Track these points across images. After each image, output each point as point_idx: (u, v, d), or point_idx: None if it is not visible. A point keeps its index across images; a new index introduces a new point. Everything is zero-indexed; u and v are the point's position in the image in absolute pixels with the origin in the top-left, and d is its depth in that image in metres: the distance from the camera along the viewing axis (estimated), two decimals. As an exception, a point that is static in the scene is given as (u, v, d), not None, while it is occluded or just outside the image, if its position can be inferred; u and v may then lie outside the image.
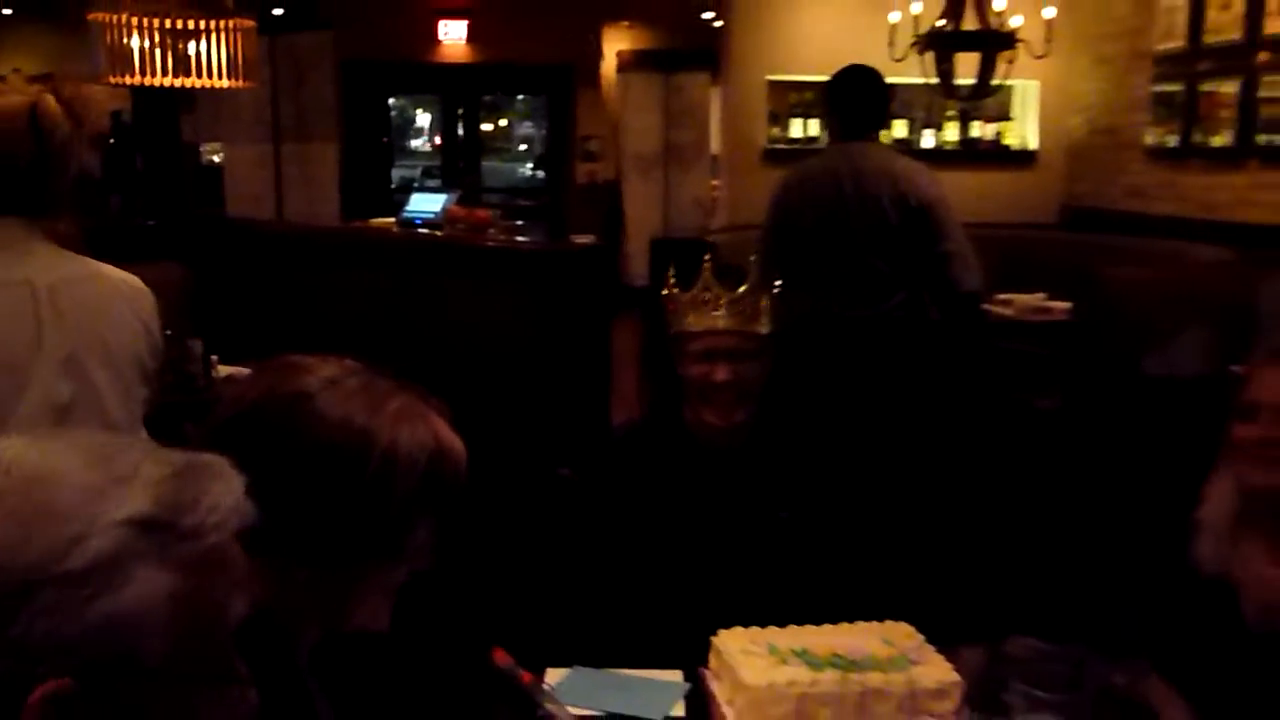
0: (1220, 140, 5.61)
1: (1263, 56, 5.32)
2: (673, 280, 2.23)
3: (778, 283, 2.25)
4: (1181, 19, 5.86)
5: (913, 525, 3.10)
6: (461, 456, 1.27)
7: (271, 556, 1.21)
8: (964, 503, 3.95)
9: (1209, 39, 5.68)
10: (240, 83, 4.34)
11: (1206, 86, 5.71)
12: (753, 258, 2.42)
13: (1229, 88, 5.53)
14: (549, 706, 1.73)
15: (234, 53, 4.16)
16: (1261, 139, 5.32)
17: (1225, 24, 5.57)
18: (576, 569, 2.21)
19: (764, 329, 2.21)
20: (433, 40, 11.22)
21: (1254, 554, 1.92)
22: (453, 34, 11.12)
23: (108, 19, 4.05)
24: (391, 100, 13.43)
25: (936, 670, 1.78)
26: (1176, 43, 5.91)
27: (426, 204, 7.87)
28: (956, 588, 2.72)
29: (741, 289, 2.19)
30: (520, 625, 2.18)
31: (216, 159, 8.17)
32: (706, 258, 2.21)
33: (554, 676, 1.92)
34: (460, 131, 12.73)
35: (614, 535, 2.20)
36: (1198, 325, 4.27)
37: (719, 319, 2.18)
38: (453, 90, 12.28)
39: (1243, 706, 1.84)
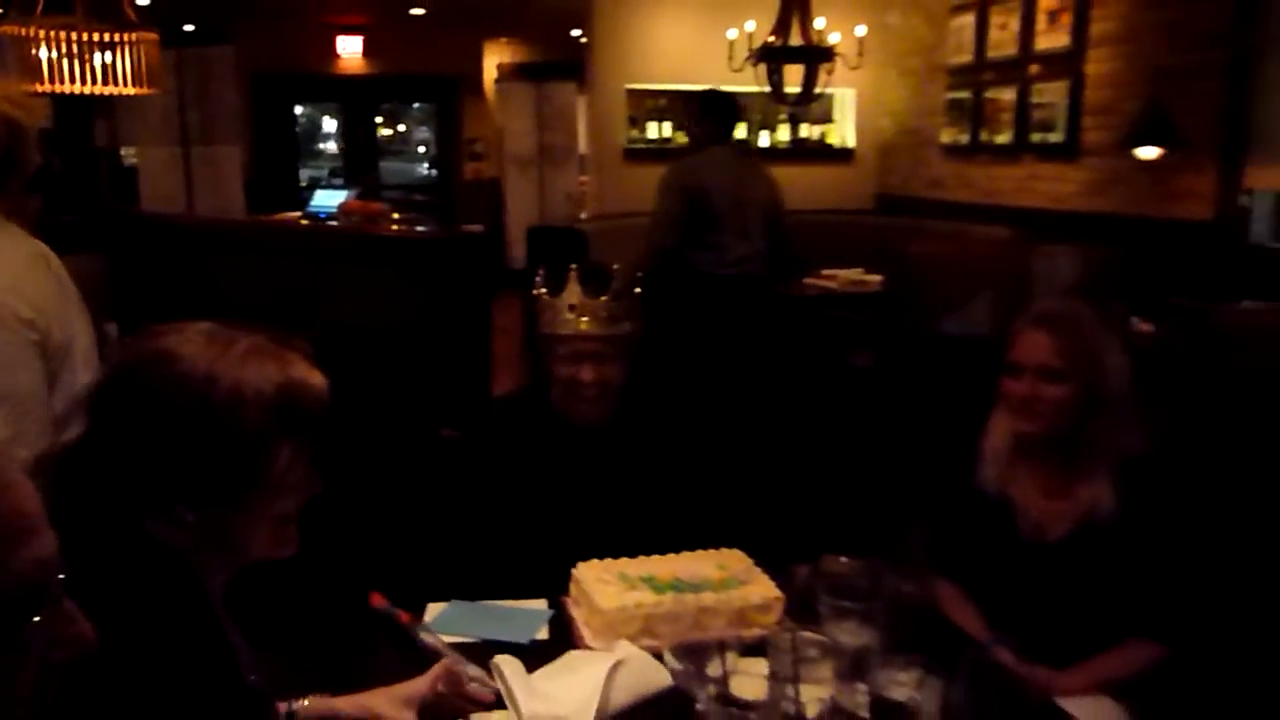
0: (1002, 139, 5.76)
1: (1034, 69, 5.48)
2: (540, 283, 2.14)
3: (637, 290, 2.17)
4: (969, 38, 6.00)
5: (749, 463, 3.12)
6: (317, 388, 1.22)
7: (160, 505, 1.16)
8: (793, 445, 4.00)
9: (991, 54, 5.82)
10: (145, 90, 4.12)
11: (990, 94, 5.86)
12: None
13: (1008, 95, 5.68)
14: (426, 638, 1.70)
15: (139, 63, 3.94)
16: (1034, 137, 5.48)
17: (1004, 42, 5.71)
18: (456, 517, 2.16)
19: (625, 330, 2.12)
20: (332, 54, 10.90)
21: (1025, 480, 1.98)
22: (350, 49, 10.83)
23: (18, 31, 3.81)
24: (299, 108, 13.02)
25: (762, 589, 1.79)
26: (965, 58, 6.04)
27: (329, 199, 7.67)
28: (785, 517, 2.74)
29: (603, 298, 2.08)
30: (406, 567, 2.14)
31: (134, 161, 7.81)
32: (573, 266, 2.11)
33: (433, 610, 1.87)
34: (360, 136, 12.43)
35: (489, 488, 2.15)
36: (984, 292, 4.38)
37: (584, 324, 2.08)
38: (352, 99, 11.97)
39: (1017, 604, 1.90)
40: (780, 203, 4.83)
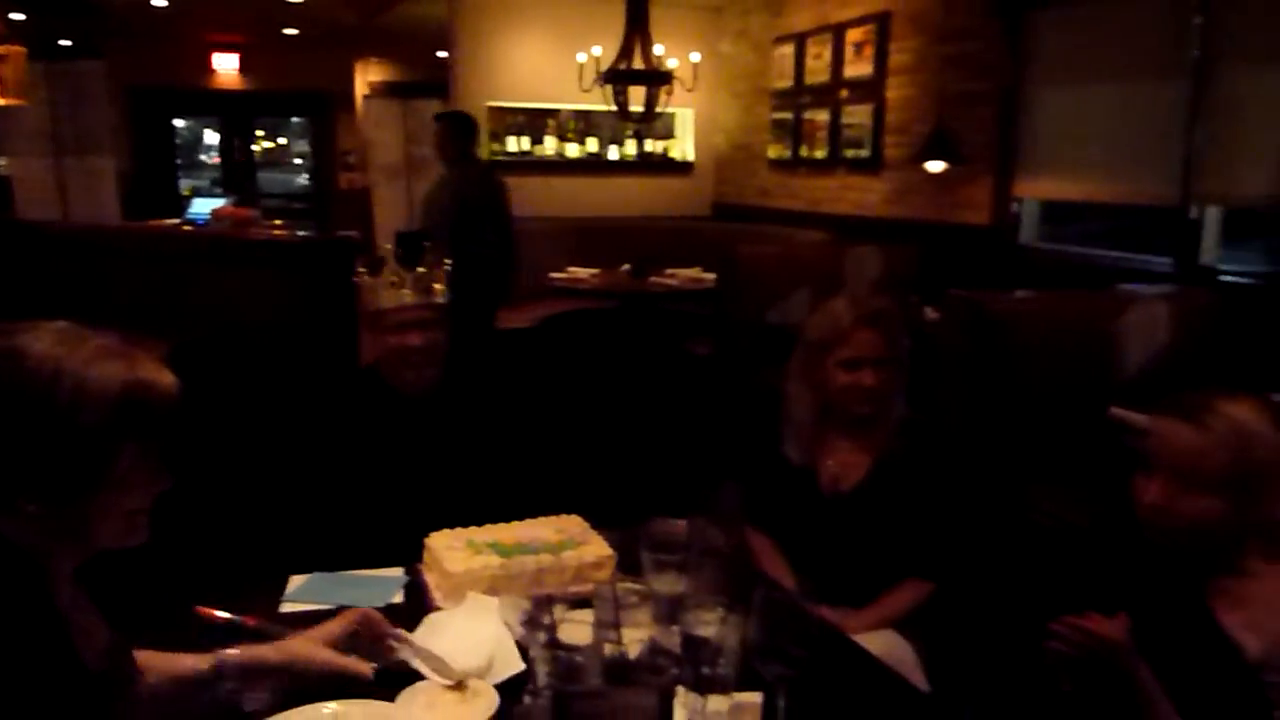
0: (818, 154, 5.96)
1: (844, 93, 5.69)
2: (363, 270, 2.14)
3: (448, 261, 2.20)
4: (789, 65, 6.18)
5: (594, 438, 3.14)
6: (165, 387, 1.17)
7: (2, 495, 1.10)
8: (636, 424, 4.06)
9: (808, 80, 6.02)
10: (12, 101, 3.85)
11: (808, 115, 6.06)
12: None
13: (822, 116, 5.89)
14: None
15: (4, 75, 3.68)
16: (846, 153, 5.70)
17: (818, 70, 5.91)
18: (317, 495, 2.12)
19: (441, 299, 2.15)
20: (209, 70, 10.41)
21: (827, 445, 2.08)
22: (226, 65, 10.36)
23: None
24: (179, 121, 12.40)
25: (596, 548, 1.81)
26: (786, 83, 6.23)
27: (207, 207, 7.33)
28: (622, 485, 2.77)
29: (420, 269, 2.11)
30: (270, 543, 2.08)
31: (6, 171, 7.30)
32: (388, 245, 2.14)
33: (295, 582, 1.83)
34: (239, 148, 11.92)
35: (346, 467, 2.11)
36: (803, 287, 4.53)
37: (406, 295, 2.10)
38: (230, 113, 11.45)
39: (819, 551, 2.00)
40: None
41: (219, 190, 11.62)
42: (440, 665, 1.45)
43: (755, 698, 1.39)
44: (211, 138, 15.26)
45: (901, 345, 2.02)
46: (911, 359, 2.09)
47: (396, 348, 2.11)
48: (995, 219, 4.62)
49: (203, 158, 15.61)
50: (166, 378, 1.18)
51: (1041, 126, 4.45)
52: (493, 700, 1.39)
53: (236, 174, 11.69)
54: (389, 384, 2.16)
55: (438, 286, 2.16)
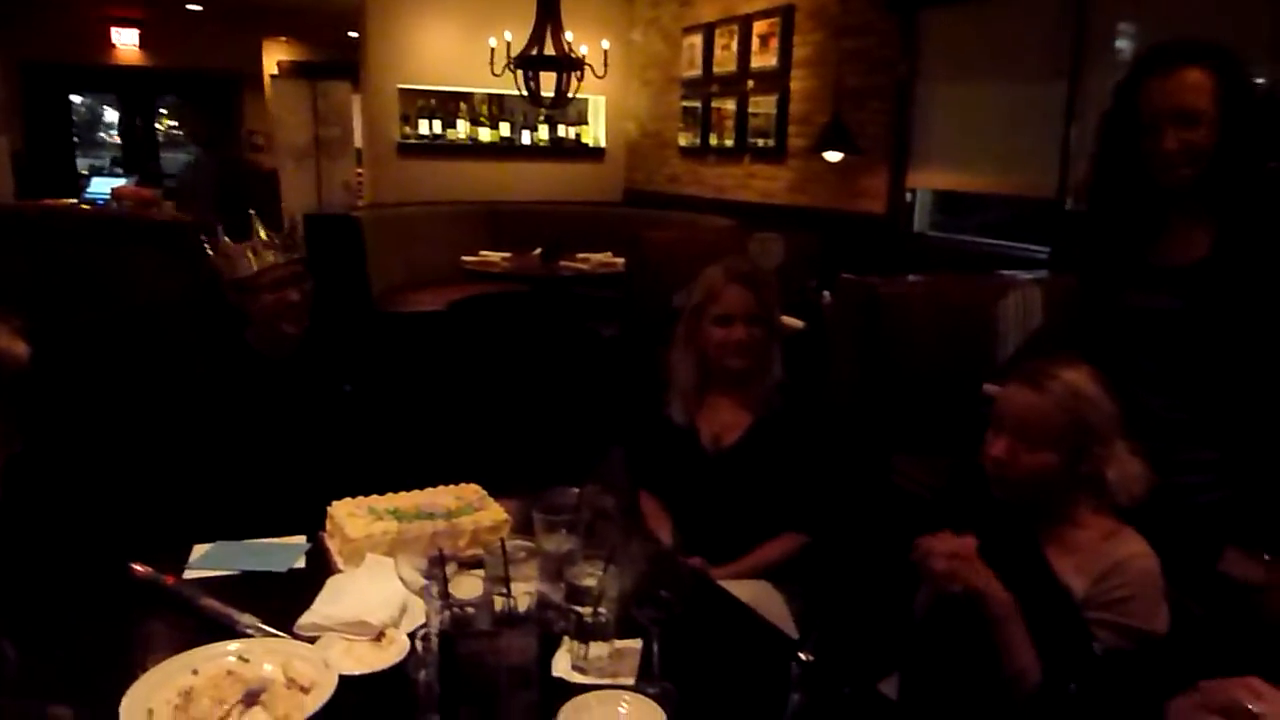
0: (726, 142, 6.11)
1: (750, 84, 5.84)
2: (226, 240, 2.22)
3: (289, 220, 2.32)
4: (699, 55, 6.31)
5: (502, 417, 3.21)
6: (14, 356, 1.23)
7: None
8: (544, 403, 4.14)
9: (717, 70, 6.16)
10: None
11: (716, 104, 6.19)
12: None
13: (730, 105, 6.03)
14: (195, 597, 1.66)
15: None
16: (752, 142, 5.86)
17: (726, 60, 6.06)
18: (214, 465, 2.17)
19: (303, 254, 2.28)
20: (108, 46, 10.06)
21: (709, 405, 2.22)
22: (126, 41, 10.02)
23: None
24: (77, 98, 11.95)
25: (493, 514, 1.90)
26: (695, 72, 6.36)
27: (106, 187, 7.14)
28: (527, 459, 2.86)
29: (249, 240, 2.21)
30: (177, 513, 2.11)
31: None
32: (251, 212, 2.22)
33: (199, 551, 1.88)
34: (141, 126, 11.53)
35: (243, 435, 2.17)
36: (708, 271, 4.65)
37: (274, 256, 2.21)
38: (130, 90, 11.08)
39: (701, 507, 2.14)
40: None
41: (119, 170, 11.25)
42: (357, 626, 1.53)
43: (635, 644, 1.50)
44: (111, 116, 14.73)
45: (771, 306, 2.17)
46: (808, 337, 2.23)
47: (275, 306, 2.21)
48: (890, 208, 4.83)
49: (102, 136, 15.05)
50: (20, 347, 1.24)
51: (933, 121, 4.66)
52: (404, 645, 1.48)
53: (138, 153, 11.32)
54: (255, 349, 2.26)
55: (301, 244, 2.30)
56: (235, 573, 1.78)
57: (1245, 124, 1.73)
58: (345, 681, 1.40)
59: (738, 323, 2.14)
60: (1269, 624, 1.01)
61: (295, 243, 2.26)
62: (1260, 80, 2.82)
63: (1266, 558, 1.48)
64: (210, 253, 2.24)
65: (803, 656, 1.24)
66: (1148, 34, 3.70)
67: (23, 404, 1.23)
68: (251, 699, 1.34)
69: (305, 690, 1.38)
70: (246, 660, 1.43)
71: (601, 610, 1.46)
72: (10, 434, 1.24)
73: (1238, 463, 1.76)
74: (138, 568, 1.71)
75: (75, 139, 11.71)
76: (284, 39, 10.40)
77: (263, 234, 2.21)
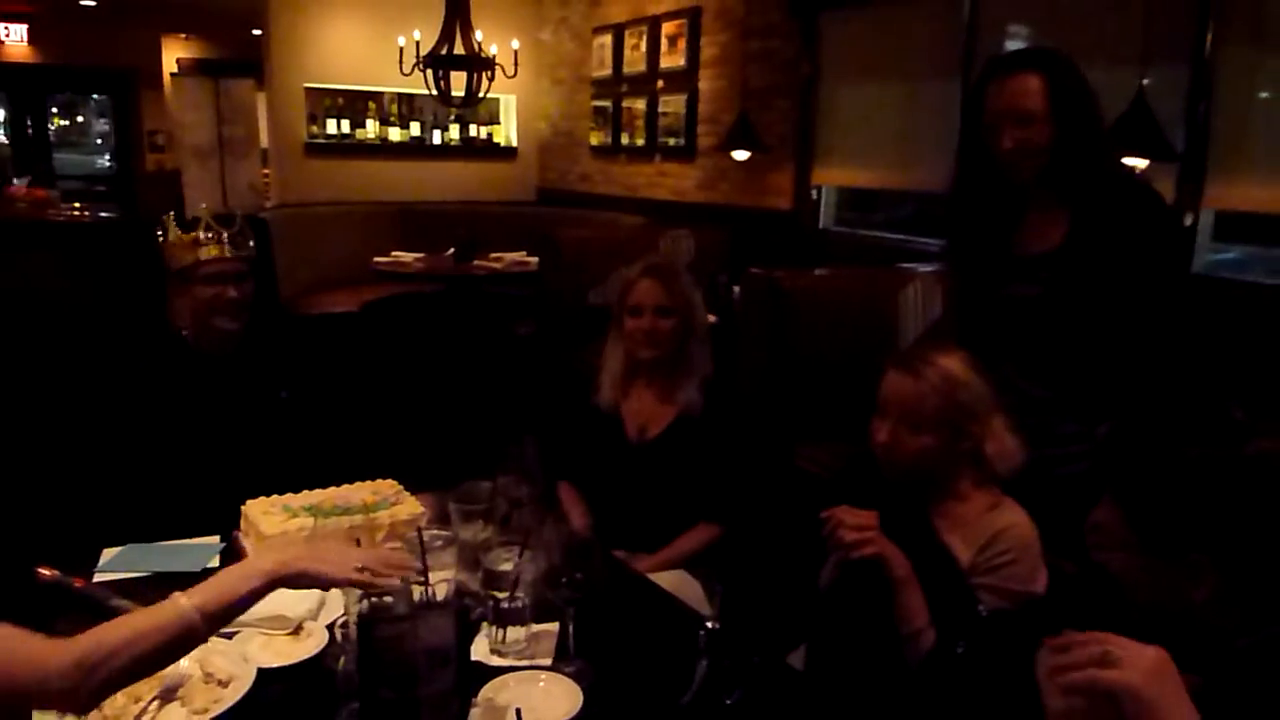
0: (637, 141, 6.17)
1: (660, 84, 5.92)
2: (175, 229, 2.20)
3: (237, 214, 2.30)
4: (609, 55, 6.36)
5: (417, 414, 3.21)
6: None
7: None
8: (459, 401, 4.14)
9: (627, 70, 6.21)
10: None
11: (626, 103, 6.26)
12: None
13: (640, 105, 6.10)
14: (105, 598, 1.65)
15: None
16: (662, 140, 5.95)
17: (636, 60, 6.12)
18: (131, 466, 2.14)
19: (250, 252, 2.27)
20: (-7, 41, 9.65)
21: (635, 395, 2.28)
22: (14, 35, 9.61)
23: None
24: (-41, 96, 11.40)
25: (409, 507, 1.93)
26: (606, 72, 6.41)
27: (-4, 188, 6.84)
28: (442, 455, 2.86)
29: (194, 231, 2.20)
30: (86, 515, 2.08)
31: None
32: (204, 205, 2.21)
33: (109, 554, 1.85)
34: (30, 126, 11.05)
35: (157, 435, 2.15)
36: (621, 269, 4.71)
37: (219, 249, 2.20)
38: (18, 88, 10.62)
39: (622, 497, 2.19)
40: None
41: (8, 171, 10.78)
42: (275, 621, 1.54)
43: (551, 627, 1.55)
44: (-1, 115, 14.09)
45: (683, 299, 2.23)
46: (719, 331, 2.31)
47: (211, 300, 2.19)
48: (796, 204, 4.96)
49: (-13, 136, 14.38)
50: None
51: (836, 120, 4.81)
52: (323, 637, 1.50)
53: (28, 153, 10.86)
54: (192, 346, 2.23)
55: (249, 243, 2.27)
56: (147, 574, 1.77)
57: (1078, 121, 1.91)
58: (264, 674, 1.41)
59: (646, 313, 2.22)
60: (1120, 581, 1.13)
61: (242, 240, 2.24)
62: (1146, 80, 3.02)
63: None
64: (161, 241, 2.21)
65: (709, 625, 1.31)
66: (1034, 35, 3.89)
67: None
68: (169, 694, 1.35)
69: (223, 684, 1.39)
70: (162, 658, 1.44)
71: (518, 595, 1.51)
72: None
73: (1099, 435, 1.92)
74: (44, 571, 1.69)
75: (-41, 139, 11.18)
76: (184, 36, 10.11)
77: (206, 230, 2.19)
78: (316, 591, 1.61)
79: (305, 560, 1.33)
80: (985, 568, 1.58)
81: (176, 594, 1.23)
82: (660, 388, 2.26)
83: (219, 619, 1.24)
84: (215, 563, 1.84)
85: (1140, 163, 2.94)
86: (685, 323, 2.23)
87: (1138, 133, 2.96)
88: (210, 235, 2.19)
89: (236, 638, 1.51)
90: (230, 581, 1.28)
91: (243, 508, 1.92)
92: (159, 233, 2.22)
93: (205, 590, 1.24)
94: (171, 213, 2.23)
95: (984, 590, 1.57)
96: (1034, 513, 1.63)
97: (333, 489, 2.00)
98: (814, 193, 4.96)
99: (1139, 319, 1.95)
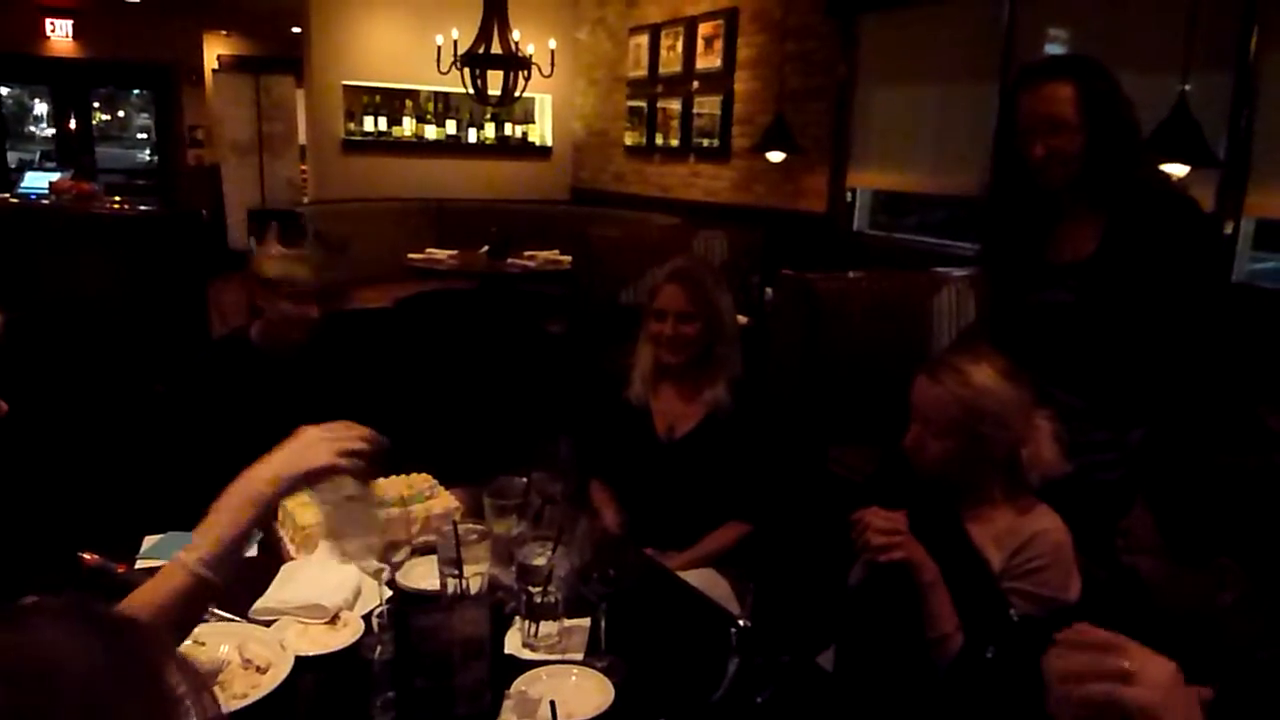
0: (671, 141, 6.19)
1: (695, 84, 5.93)
2: (274, 241, 2.27)
3: (347, 242, 2.34)
4: (644, 56, 6.38)
5: (452, 411, 3.24)
6: None
7: None
8: (492, 398, 4.17)
9: (662, 71, 6.23)
10: None
11: (661, 104, 6.28)
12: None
13: (675, 105, 6.12)
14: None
15: None
16: (696, 141, 5.95)
17: (672, 60, 6.14)
18: (172, 456, 2.19)
19: (332, 274, 2.35)
20: (41, 36, 9.82)
21: (664, 394, 2.30)
22: (60, 31, 9.79)
23: None
24: (4, 90, 11.64)
25: (443, 501, 1.96)
26: (641, 72, 6.43)
27: (40, 181, 6.99)
28: (477, 451, 2.89)
29: (297, 249, 2.30)
30: (123, 511, 2.12)
31: None
32: (272, 221, 2.29)
33: (150, 541, 1.90)
34: (74, 119, 11.26)
35: (202, 427, 2.20)
36: (654, 269, 4.72)
37: (300, 269, 2.32)
38: (63, 82, 10.81)
39: (652, 494, 2.21)
40: None
41: (51, 164, 10.98)
42: (312, 609, 1.57)
43: (583, 622, 1.57)
44: (42, 108, 14.36)
45: (706, 304, 2.22)
46: (751, 333, 2.31)
47: (293, 315, 2.29)
48: (831, 207, 4.95)
49: (32, 129, 14.67)
50: None
51: (872, 122, 4.79)
52: (359, 627, 1.53)
53: (71, 147, 11.06)
54: (258, 348, 2.28)
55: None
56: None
57: (1111, 128, 1.91)
58: (301, 662, 1.44)
59: (670, 318, 2.22)
60: (1149, 587, 1.13)
61: (330, 262, 2.35)
62: (1188, 87, 2.99)
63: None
64: (256, 245, 2.32)
65: (740, 623, 1.32)
66: (1074, 39, 3.86)
67: None
68: (208, 679, 1.38)
69: (261, 670, 1.42)
70: (202, 644, 1.47)
71: (551, 589, 1.53)
72: None
73: (1133, 443, 1.91)
74: (87, 557, 1.73)
75: (4, 132, 11.40)
76: (225, 32, 10.25)
77: (308, 248, 2.30)
78: (353, 581, 1.65)
79: (288, 467, 1.30)
80: (1017, 572, 1.58)
81: (178, 554, 1.22)
82: (689, 388, 2.27)
83: (228, 563, 1.23)
84: (253, 552, 1.87)
85: (1181, 170, 2.91)
86: (709, 327, 2.22)
87: (1179, 139, 2.93)
88: (310, 254, 2.30)
89: (275, 625, 1.54)
90: (225, 522, 1.25)
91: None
92: (251, 238, 2.31)
93: (205, 541, 1.22)
94: (274, 223, 2.31)
95: (1015, 595, 1.56)
96: (1067, 520, 1.62)
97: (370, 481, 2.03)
98: (848, 195, 4.95)
99: (1173, 328, 1.94)
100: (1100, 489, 1.67)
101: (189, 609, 1.20)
